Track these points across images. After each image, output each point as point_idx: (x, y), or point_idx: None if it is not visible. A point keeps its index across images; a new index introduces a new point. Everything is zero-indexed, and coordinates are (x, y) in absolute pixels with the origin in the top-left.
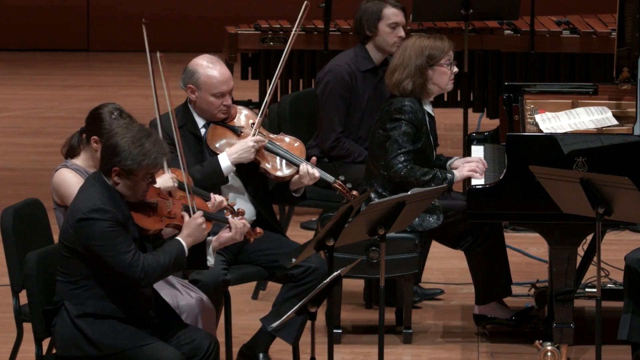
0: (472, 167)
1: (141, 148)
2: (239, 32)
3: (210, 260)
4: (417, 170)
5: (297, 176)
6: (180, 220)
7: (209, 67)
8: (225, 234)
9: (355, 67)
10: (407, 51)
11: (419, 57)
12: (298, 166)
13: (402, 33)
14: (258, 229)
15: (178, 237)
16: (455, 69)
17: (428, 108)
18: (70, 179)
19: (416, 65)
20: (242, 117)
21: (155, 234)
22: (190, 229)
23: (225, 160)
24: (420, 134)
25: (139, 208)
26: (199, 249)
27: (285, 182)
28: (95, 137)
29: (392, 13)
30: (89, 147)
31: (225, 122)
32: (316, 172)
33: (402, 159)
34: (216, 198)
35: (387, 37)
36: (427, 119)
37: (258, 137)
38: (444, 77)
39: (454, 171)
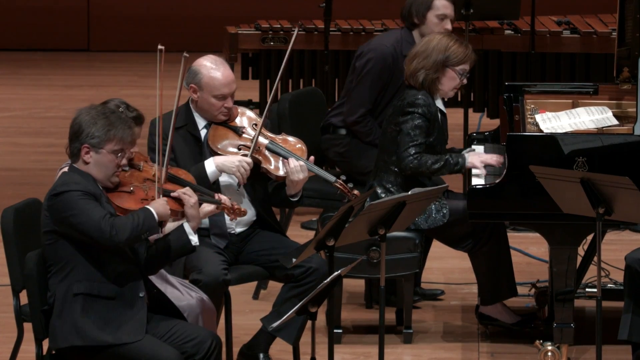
0: (486, 158)
1: (106, 120)
2: (240, 32)
3: (194, 239)
4: (427, 160)
5: (290, 176)
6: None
7: (212, 69)
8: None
9: (400, 51)
10: (432, 43)
11: (440, 53)
12: None
13: (449, 26)
14: (242, 208)
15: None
16: (465, 81)
17: (439, 104)
18: None
19: (435, 60)
20: (244, 117)
21: None
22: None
23: (210, 165)
24: (434, 128)
25: (117, 191)
26: (179, 232)
27: (284, 183)
28: None
29: (442, 5)
30: None
31: (226, 123)
32: (301, 162)
33: (413, 151)
34: (221, 197)
35: (434, 28)
36: (439, 114)
37: (248, 160)
38: (451, 82)
39: (465, 155)
